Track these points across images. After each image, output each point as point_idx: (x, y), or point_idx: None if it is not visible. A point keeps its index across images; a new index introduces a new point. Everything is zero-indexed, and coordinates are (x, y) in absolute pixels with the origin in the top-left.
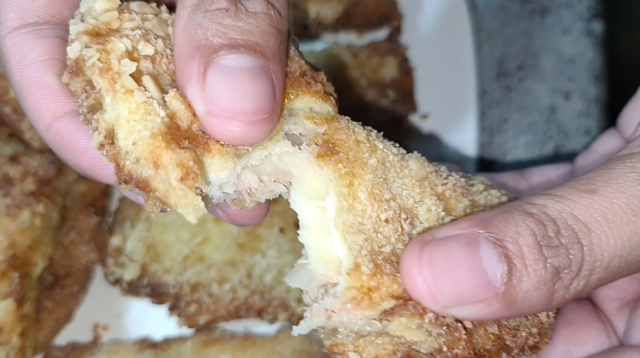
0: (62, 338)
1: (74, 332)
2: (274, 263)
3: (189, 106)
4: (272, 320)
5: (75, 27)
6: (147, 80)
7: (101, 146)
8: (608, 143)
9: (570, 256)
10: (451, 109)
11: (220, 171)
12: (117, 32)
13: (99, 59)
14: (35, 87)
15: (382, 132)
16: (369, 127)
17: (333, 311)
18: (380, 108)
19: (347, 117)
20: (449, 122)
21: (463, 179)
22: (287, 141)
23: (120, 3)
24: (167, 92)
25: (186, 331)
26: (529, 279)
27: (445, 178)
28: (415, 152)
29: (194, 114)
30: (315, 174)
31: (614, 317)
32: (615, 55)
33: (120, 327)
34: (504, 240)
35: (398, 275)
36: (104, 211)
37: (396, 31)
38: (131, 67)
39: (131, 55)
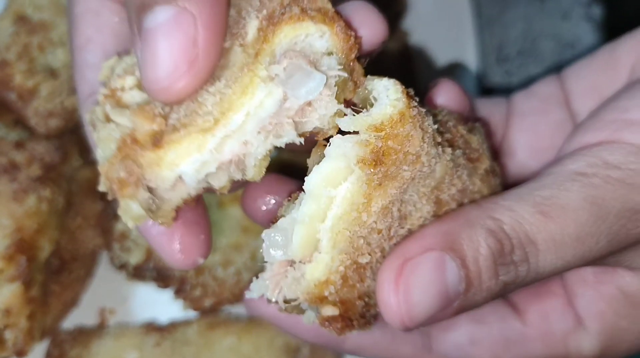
0: (69, 323)
1: (80, 316)
2: None
3: (146, 111)
4: None
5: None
6: (113, 112)
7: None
8: (548, 87)
9: (518, 272)
10: None
11: (185, 159)
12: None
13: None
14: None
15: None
16: (430, 122)
17: (287, 300)
18: None
19: (418, 112)
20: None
21: (467, 180)
22: (262, 85)
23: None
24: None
25: (191, 314)
26: (481, 293)
27: (453, 184)
28: (447, 153)
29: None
30: (347, 167)
31: None
32: (614, 40)
33: (127, 310)
34: (466, 260)
35: (358, 284)
36: None
37: (397, 17)
38: (97, 112)
39: (114, 94)
